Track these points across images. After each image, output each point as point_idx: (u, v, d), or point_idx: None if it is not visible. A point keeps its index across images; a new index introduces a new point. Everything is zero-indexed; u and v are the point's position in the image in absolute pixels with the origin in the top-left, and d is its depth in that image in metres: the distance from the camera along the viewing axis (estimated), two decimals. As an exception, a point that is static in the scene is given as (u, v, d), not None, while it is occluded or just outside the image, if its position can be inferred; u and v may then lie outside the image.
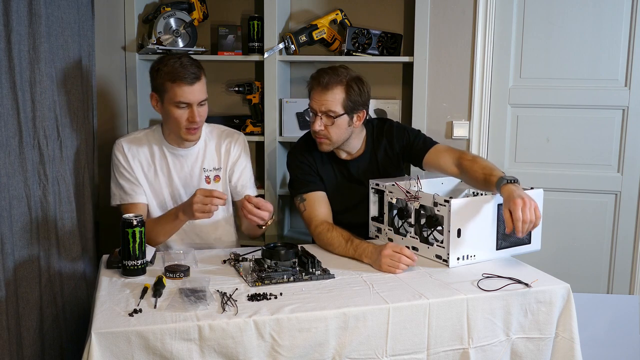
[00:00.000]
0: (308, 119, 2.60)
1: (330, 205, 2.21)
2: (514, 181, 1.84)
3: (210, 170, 2.22)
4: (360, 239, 1.98)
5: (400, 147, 2.26)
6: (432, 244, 1.93)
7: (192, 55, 2.77)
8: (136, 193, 2.13)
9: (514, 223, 1.76)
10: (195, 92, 2.05)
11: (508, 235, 1.90)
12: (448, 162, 2.11)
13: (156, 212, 2.16)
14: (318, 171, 2.25)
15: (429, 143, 2.23)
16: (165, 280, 1.70)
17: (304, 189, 2.20)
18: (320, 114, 2.12)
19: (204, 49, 2.82)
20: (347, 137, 2.19)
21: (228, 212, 2.27)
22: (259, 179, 2.77)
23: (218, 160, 2.23)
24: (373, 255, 1.88)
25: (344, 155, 2.26)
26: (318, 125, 2.13)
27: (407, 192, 2.00)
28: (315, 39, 2.79)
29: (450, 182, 2.26)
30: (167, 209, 2.16)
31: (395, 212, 2.07)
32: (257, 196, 2.06)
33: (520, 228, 1.75)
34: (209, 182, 2.21)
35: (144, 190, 2.15)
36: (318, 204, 2.17)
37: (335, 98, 2.10)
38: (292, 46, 2.74)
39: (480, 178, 1.94)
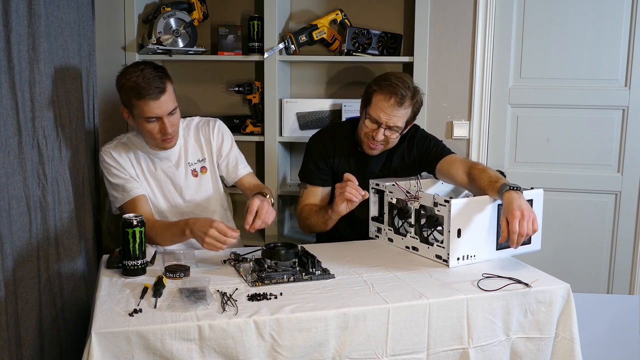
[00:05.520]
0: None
1: None
2: (517, 189, 1.84)
3: (195, 163, 2.22)
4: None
5: (419, 152, 2.27)
6: (432, 244, 1.93)
7: (193, 55, 2.77)
8: (135, 187, 2.11)
9: (510, 235, 1.76)
10: (163, 105, 2.00)
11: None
12: (459, 171, 2.10)
13: (154, 216, 2.15)
14: (333, 165, 2.28)
15: (445, 151, 2.24)
16: (165, 280, 1.70)
17: (309, 180, 2.31)
18: (385, 127, 2.13)
19: (204, 49, 2.82)
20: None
21: (224, 211, 2.29)
22: (259, 179, 2.76)
23: (201, 152, 2.23)
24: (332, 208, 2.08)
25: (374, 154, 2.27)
26: (381, 136, 2.14)
27: (407, 192, 2.00)
28: (315, 39, 2.79)
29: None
30: (161, 210, 2.17)
31: (395, 212, 2.07)
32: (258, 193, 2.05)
33: (515, 240, 1.76)
34: (196, 176, 2.21)
35: (141, 185, 2.13)
36: (313, 197, 2.30)
37: (405, 113, 2.13)
38: (292, 46, 2.74)
39: (484, 185, 1.93)
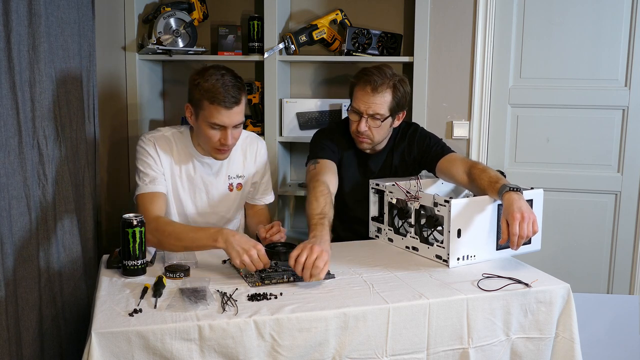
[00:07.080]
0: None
1: (346, 199, 2.28)
2: (517, 190, 1.84)
3: (234, 178, 2.19)
4: (325, 227, 1.84)
5: (418, 151, 2.27)
6: (432, 244, 1.93)
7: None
8: (160, 184, 2.04)
9: (510, 237, 1.76)
10: (232, 116, 1.96)
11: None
12: (459, 170, 2.10)
13: (174, 217, 2.12)
14: (341, 156, 2.28)
15: (446, 150, 2.24)
16: (165, 280, 1.70)
17: (320, 154, 2.21)
18: (366, 116, 2.13)
19: (204, 49, 2.82)
20: (387, 136, 2.24)
21: (240, 221, 2.30)
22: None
23: (242, 168, 2.20)
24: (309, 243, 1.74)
25: (368, 150, 2.27)
26: (363, 127, 2.14)
27: (407, 192, 2.00)
28: (315, 39, 2.79)
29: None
30: (186, 215, 2.14)
31: (395, 212, 2.07)
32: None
33: (515, 242, 1.76)
34: (231, 190, 2.19)
35: (166, 186, 2.08)
36: (328, 170, 2.14)
37: (384, 101, 2.13)
38: (292, 46, 2.75)
39: (484, 185, 1.93)
